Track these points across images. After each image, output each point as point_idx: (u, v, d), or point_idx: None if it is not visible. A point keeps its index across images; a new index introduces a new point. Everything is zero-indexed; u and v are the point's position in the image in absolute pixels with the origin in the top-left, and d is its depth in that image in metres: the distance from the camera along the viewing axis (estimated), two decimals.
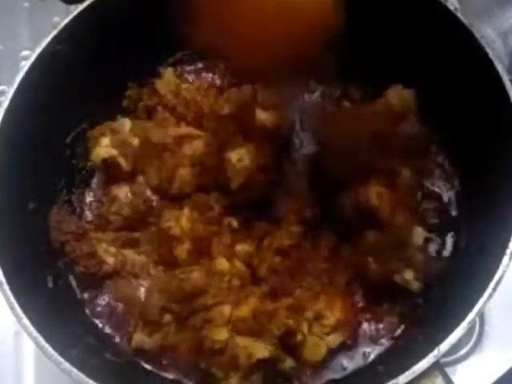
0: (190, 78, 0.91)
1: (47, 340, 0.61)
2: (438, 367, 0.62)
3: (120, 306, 0.78)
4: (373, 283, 0.75)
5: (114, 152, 0.81)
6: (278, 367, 0.70)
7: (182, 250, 0.77)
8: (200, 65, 0.91)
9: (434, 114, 0.82)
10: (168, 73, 0.89)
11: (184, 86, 0.88)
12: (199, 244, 0.77)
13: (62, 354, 0.61)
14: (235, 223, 0.78)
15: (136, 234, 0.81)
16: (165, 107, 0.87)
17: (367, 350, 0.74)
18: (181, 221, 0.78)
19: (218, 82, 0.90)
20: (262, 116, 0.77)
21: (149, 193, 0.81)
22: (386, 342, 0.74)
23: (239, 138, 0.76)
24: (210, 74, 0.91)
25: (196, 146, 0.81)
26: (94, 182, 0.86)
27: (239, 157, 0.75)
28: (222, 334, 0.69)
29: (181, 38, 0.86)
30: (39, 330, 0.62)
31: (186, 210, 0.78)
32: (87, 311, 0.78)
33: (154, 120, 0.86)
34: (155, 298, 0.73)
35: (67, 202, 0.83)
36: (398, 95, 0.79)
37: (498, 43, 0.90)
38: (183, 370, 0.74)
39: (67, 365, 0.60)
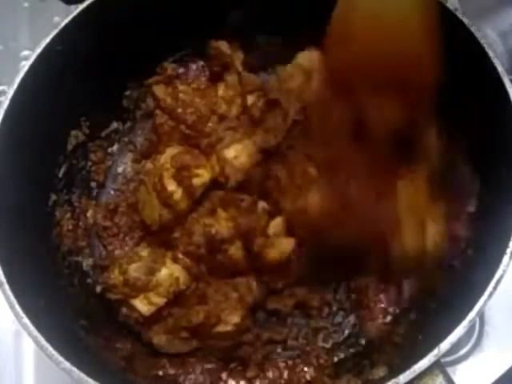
0: (190, 78, 0.91)
1: (47, 340, 0.61)
2: (438, 366, 0.62)
3: None
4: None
5: None
6: None
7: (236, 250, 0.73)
8: (200, 65, 0.91)
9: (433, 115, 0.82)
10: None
11: (182, 87, 0.88)
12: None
13: (62, 353, 0.61)
14: (266, 205, 0.75)
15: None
16: (163, 111, 0.87)
17: None
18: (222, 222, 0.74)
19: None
20: (249, 101, 0.76)
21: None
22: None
23: (235, 133, 0.76)
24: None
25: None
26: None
27: (236, 153, 0.74)
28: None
29: (180, 38, 0.87)
30: (39, 330, 0.61)
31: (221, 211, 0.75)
32: None
33: (153, 124, 0.86)
34: None
35: (67, 202, 0.83)
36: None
37: (498, 43, 0.89)
38: None
39: (67, 364, 0.60)
